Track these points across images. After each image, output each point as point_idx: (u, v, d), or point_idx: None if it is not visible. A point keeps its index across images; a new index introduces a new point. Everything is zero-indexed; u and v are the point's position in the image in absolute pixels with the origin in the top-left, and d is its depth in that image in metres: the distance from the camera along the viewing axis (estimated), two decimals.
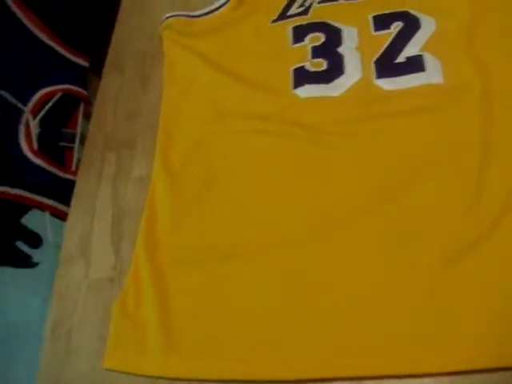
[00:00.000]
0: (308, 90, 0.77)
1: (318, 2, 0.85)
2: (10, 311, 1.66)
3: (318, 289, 0.64)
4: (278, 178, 0.72)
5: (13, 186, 0.95)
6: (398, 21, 0.80)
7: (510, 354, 0.57)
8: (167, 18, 0.91)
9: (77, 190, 0.82)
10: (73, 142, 1.06)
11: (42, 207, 0.99)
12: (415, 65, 0.75)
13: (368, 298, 0.62)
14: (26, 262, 1.07)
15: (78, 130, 1.05)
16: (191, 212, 0.73)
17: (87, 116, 1.06)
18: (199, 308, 0.67)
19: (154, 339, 0.66)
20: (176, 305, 0.67)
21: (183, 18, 0.90)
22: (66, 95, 1.06)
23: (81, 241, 0.77)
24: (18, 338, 1.62)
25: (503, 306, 0.59)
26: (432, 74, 0.74)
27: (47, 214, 0.99)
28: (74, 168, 1.04)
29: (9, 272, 1.27)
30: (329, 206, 0.69)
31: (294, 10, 0.86)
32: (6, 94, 0.93)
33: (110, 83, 0.92)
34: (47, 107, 1.00)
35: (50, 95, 1.03)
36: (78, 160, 1.06)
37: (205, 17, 0.90)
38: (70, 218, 0.80)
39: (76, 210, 0.81)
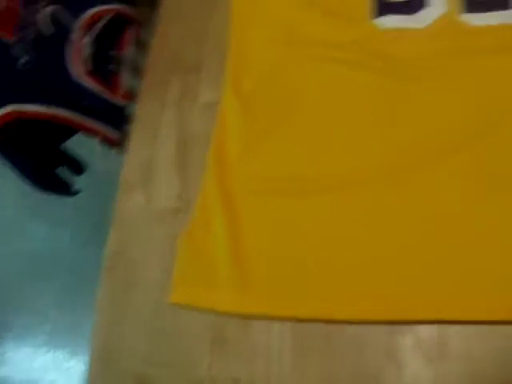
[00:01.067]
0: (390, 20, 0.72)
1: None
2: (36, 241, 1.65)
3: (401, 228, 0.62)
4: (358, 111, 0.69)
5: (63, 107, 0.89)
6: None
7: None
8: None
9: (138, 113, 0.78)
10: (121, 65, 1.01)
11: (92, 131, 0.94)
12: (502, 2, 0.70)
13: (459, 243, 0.60)
14: (66, 189, 1.03)
15: (128, 55, 1.00)
16: (265, 140, 0.70)
17: (137, 41, 1.01)
18: (275, 242, 0.64)
19: (225, 273, 0.63)
20: (249, 238, 0.65)
21: None
22: (116, 17, 0.99)
23: (142, 167, 0.74)
24: (45, 267, 1.61)
25: None
26: None
27: (97, 140, 0.94)
28: (122, 93, 0.99)
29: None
30: (412, 143, 0.65)
31: None
32: (62, 10, 0.87)
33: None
34: (99, 26, 0.94)
35: (100, 15, 0.96)
36: (127, 87, 1.01)
37: None
38: (131, 143, 0.76)
39: (137, 134, 0.77)
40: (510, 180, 0.61)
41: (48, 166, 1.03)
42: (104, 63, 1.01)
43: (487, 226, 0.60)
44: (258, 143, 0.70)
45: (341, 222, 0.64)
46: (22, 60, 0.89)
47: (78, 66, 0.94)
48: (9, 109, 0.86)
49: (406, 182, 0.63)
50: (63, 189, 1.05)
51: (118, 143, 0.94)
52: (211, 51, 0.79)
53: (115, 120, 0.92)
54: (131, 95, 0.94)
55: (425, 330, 0.58)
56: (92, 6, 0.95)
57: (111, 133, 0.95)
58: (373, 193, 0.64)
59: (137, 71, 0.94)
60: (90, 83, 0.94)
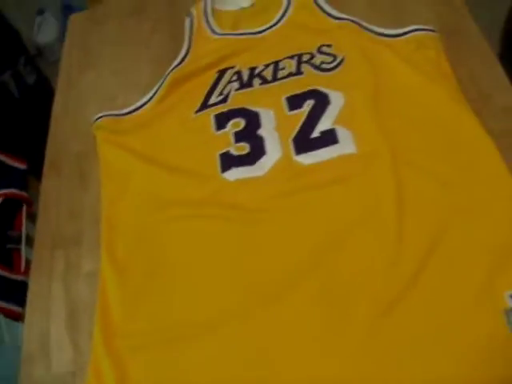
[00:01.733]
0: (235, 173, 0.83)
1: (236, 90, 0.93)
2: None
3: (270, 358, 0.70)
4: (217, 257, 0.78)
5: None
6: (310, 99, 0.88)
7: None
8: (98, 118, 0.97)
9: (30, 289, 0.86)
10: (19, 243, 1.10)
11: None
12: (329, 138, 0.83)
13: (315, 361, 0.68)
14: None
15: (24, 231, 1.09)
16: (141, 299, 0.78)
17: (31, 217, 1.10)
18: None
19: None
20: None
21: (112, 117, 0.96)
22: (8, 199, 1.09)
23: (40, 338, 0.81)
24: None
25: (435, 354, 0.66)
26: (345, 145, 0.82)
27: (1, 316, 1.01)
28: (23, 269, 1.07)
29: None
30: (268, 277, 0.74)
31: (213, 99, 0.93)
32: None
33: (50, 184, 0.97)
34: None
35: None
36: (26, 260, 1.09)
37: (132, 114, 0.96)
38: (27, 318, 0.83)
39: (31, 309, 0.85)
40: (349, 308, 0.70)
41: None
42: (2, 243, 1.10)
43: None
44: (136, 302, 0.78)
45: (216, 360, 0.71)
46: None
47: None
48: None
49: (257, 316, 0.72)
50: None
51: (21, 317, 1.00)
52: (88, 225, 0.89)
53: (17, 295, 0.99)
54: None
55: None
56: None
57: (14, 308, 1.02)
58: (241, 329, 0.72)
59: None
60: None
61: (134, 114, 0.96)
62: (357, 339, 0.68)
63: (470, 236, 0.72)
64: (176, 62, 0.99)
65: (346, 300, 0.70)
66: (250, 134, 0.87)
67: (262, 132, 0.86)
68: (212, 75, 0.96)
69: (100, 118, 0.97)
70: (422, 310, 0.68)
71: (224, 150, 0.86)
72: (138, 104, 0.97)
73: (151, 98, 0.97)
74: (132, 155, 0.91)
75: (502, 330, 0.65)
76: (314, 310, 0.71)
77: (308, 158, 0.82)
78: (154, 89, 0.97)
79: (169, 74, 0.97)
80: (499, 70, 0.88)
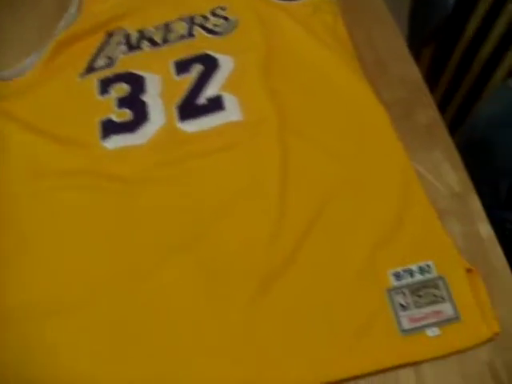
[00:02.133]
0: (115, 141, 0.78)
1: (123, 53, 0.87)
2: None
3: (143, 336, 0.65)
4: (90, 231, 0.72)
5: None
6: (198, 63, 0.83)
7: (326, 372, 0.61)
8: None
9: None
10: None
11: None
12: (215, 105, 0.79)
13: (193, 339, 0.64)
14: None
15: None
16: (7, 273, 0.71)
17: None
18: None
19: None
20: None
21: None
22: None
23: None
24: None
25: (315, 328, 0.63)
26: (231, 113, 0.78)
27: None
28: None
29: None
30: (143, 252, 0.69)
31: (99, 62, 0.87)
32: None
33: None
34: None
35: None
36: None
37: (14, 78, 0.89)
38: None
39: None
40: (228, 285, 0.66)
41: None
42: None
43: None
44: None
45: (85, 339, 0.66)
46: None
47: None
48: None
49: (129, 293, 0.67)
50: None
51: None
52: None
53: None
54: None
55: None
56: None
57: None
58: (114, 304, 0.67)
59: None
60: None
61: (16, 78, 0.89)
62: (235, 317, 0.64)
63: (356, 210, 0.69)
64: (61, 24, 0.92)
65: (224, 275, 0.66)
66: (134, 99, 0.82)
67: (145, 98, 0.82)
68: (99, 37, 0.90)
69: None
70: (302, 287, 0.65)
71: (105, 117, 0.80)
72: (21, 67, 0.89)
73: (35, 61, 0.89)
74: (10, 119, 0.84)
75: (384, 310, 0.62)
76: (190, 285, 0.66)
77: (192, 126, 0.78)
78: (40, 51, 0.90)
79: (56, 34, 0.90)
80: (397, 38, 0.85)
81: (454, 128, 0.80)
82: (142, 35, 0.89)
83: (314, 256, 0.66)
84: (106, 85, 0.84)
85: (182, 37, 0.88)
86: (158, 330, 0.65)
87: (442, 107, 0.80)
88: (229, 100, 0.79)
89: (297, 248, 0.66)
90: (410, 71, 0.80)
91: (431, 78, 0.81)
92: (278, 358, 0.61)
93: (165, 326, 0.65)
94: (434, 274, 0.64)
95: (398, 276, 0.64)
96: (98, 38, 0.91)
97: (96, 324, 0.66)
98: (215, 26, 0.88)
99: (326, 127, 0.76)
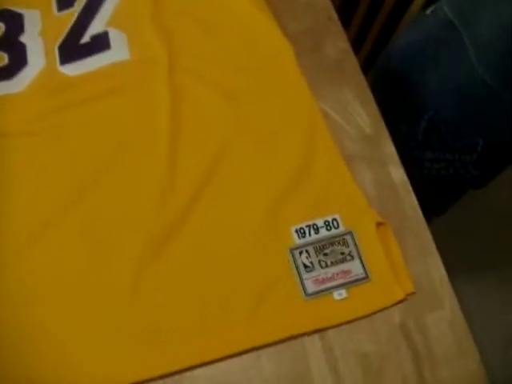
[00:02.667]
0: None
1: None
2: None
3: (26, 300, 0.58)
4: None
5: None
6: None
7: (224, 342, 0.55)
8: None
9: None
10: None
11: None
12: (100, 43, 0.70)
13: (75, 303, 0.57)
14: None
15: None
16: None
17: None
18: None
19: None
20: None
21: None
22: None
23: None
24: None
25: (210, 295, 0.57)
26: (117, 51, 0.69)
27: None
28: None
29: None
30: (23, 217, 0.62)
31: None
32: None
33: None
34: None
35: None
36: None
37: None
38: None
39: None
40: (114, 249, 0.60)
41: None
42: None
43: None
44: None
45: None
46: None
47: None
48: None
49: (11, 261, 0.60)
50: None
51: None
52: None
53: None
54: None
55: None
56: None
57: None
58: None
59: None
60: None
61: None
62: (123, 284, 0.57)
63: (255, 159, 0.62)
64: None
65: (110, 238, 0.59)
66: (11, 40, 0.72)
67: (24, 38, 0.72)
68: None
69: None
70: (195, 249, 0.58)
71: None
72: None
73: None
74: None
75: (286, 273, 0.57)
76: (75, 249, 0.59)
77: (74, 69, 0.69)
78: None
79: None
80: None
81: (367, 68, 0.72)
82: None
83: (208, 214, 0.60)
84: None
85: None
86: (45, 297, 0.58)
87: (356, 45, 0.71)
88: (115, 37, 0.70)
89: (190, 205, 0.60)
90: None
91: (344, 13, 0.72)
92: (166, 332, 0.55)
93: (51, 293, 0.58)
94: (341, 228, 0.58)
95: (301, 233, 0.58)
96: None
97: None
98: None
99: (222, 66, 0.68)
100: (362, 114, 0.63)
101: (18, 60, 0.70)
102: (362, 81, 0.65)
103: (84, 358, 0.55)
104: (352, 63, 0.66)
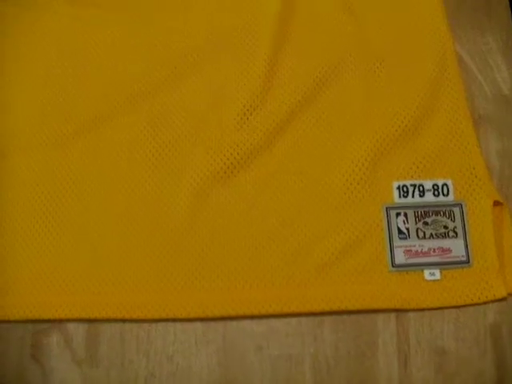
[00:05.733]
0: None
1: None
2: None
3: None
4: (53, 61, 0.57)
5: None
6: None
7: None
8: None
9: None
10: None
11: None
12: None
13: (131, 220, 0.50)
14: None
15: None
16: None
17: None
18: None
19: None
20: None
21: None
22: None
23: None
24: None
25: (279, 236, 0.49)
26: None
27: None
28: None
29: None
30: (101, 88, 0.55)
31: None
32: None
33: None
34: None
35: None
36: None
37: None
38: None
39: None
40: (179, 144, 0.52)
41: None
42: None
43: None
44: None
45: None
46: None
47: None
48: None
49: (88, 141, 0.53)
50: None
51: None
52: None
53: None
54: None
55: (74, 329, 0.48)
56: None
57: None
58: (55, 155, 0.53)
59: None
60: None
61: None
62: (184, 203, 0.50)
63: (367, 90, 0.53)
64: None
65: (178, 146, 0.52)
66: None
67: None
68: None
69: None
70: (276, 183, 0.50)
71: None
72: None
73: None
74: None
75: (375, 233, 0.48)
76: (139, 142, 0.53)
77: None
78: None
79: None
80: None
81: None
82: None
83: (299, 141, 0.51)
84: None
85: None
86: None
87: None
88: None
89: (277, 132, 0.51)
90: None
91: None
92: (224, 274, 0.48)
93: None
94: (450, 197, 0.49)
95: (403, 191, 0.49)
96: None
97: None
98: None
99: None
100: (503, 71, 0.53)
101: None
102: (511, 31, 0.53)
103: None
104: (503, 6, 0.54)
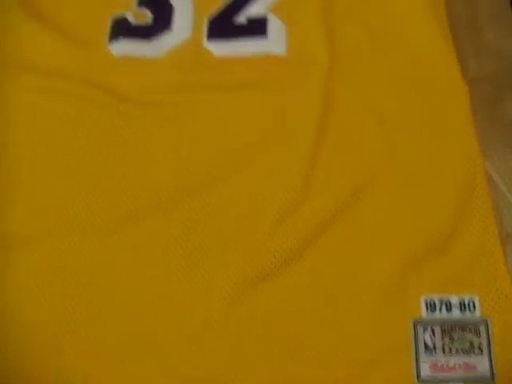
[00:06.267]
0: (123, 46, 0.63)
1: None
2: None
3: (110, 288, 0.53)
4: (76, 151, 0.59)
5: None
6: None
7: None
8: None
9: None
10: None
11: None
12: (256, 27, 0.63)
13: (155, 315, 0.52)
14: None
15: None
16: None
17: None
18: None
19: None
20: None
21: None
22: None
23: None
24: None
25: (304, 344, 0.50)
26: (274, 42, 0.63)
27: None
28: None
29: None
30: (127, 194, 0.56)
31: None
32: None
33: None
34: None
35: None
36: None
37: None
38: None
39: None
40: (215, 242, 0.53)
41: None
42: None
43: None
44: None
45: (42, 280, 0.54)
46: None
47: None
48: None
49: (122, 233, 0.55)
50: None
51: None
52: None
53: None
54: None
55: None
56: None
57: None
58: (88, 248, 0.55)
59: None
60: None
61: None
62: (216, 308, 0.51)
63: (397, 205, 0.55)
64: None
65: (215, 247, 0.53)
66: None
67: (174, 0, 0.65)
68: None
69: None
70: (304, 292, 0.52)
71: (120, 14, 0.65)
72: None
73: None
74: None
75: (403, 346, 0.49)
76: (174, 247, 0.54)
77: (221, 48, 0.63)
78: None
79: None
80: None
81: None
82: None
83: (329, 255, 0.53)
84: None
85: None
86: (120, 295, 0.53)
87: None
88: (275, 25, 0.63)
89: (310, 240, 0.53)
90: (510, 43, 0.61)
91: None
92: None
93: (132, 289, 0.53)
94: (477, 313, 0.50)
95: (431, 306, 0.51)
96: None
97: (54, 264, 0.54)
98: None
99: (384, 87, 0.60)
100: None
101: (162, 22, 0.65)
102: None
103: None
104: None
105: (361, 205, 0.54)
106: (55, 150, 0.59)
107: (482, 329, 0.49)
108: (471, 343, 0.49)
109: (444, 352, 0.49)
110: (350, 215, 0.54)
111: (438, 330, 0.49)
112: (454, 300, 0.50)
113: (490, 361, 0.48)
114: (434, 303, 0.50)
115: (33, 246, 0.55)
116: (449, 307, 0.50)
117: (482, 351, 0.49)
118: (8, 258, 0.54)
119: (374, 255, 0.52)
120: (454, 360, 0.49)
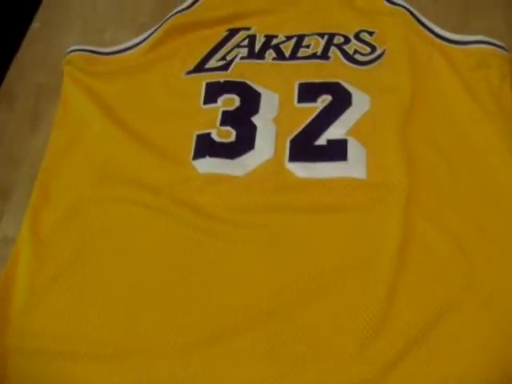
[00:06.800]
0: (208, 164, 0.65)
1: (242, 58, 0.73)
2: None
3: None
4: (159, 265, 0.60)
5: None
6: (327, 93, 0.69)
7: None
8: (73, 50, 0.78)
9: None
10: None
11: None
12: (336, 151, 0.65)
13: None
14: None
15: None
16: (52, 289, 0.60)
17: None
18: None
19: None
20: None
21: (88, 54, 0.77)
22: None
23: None
24: None
25: None
26: (354, 166, 0.64)
27: None
28: None
29: None
30: (208, 312, 0.57)
31: (213, 62, 0.74)
32: None
33: None
34: None
35: None
36: None
37: (113, 56, 0.77)
38: None
39: None
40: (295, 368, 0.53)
41: None
42: None
43: None
44: (43, 293, 0.60)
45: None
46: None
47: None
48: None
49: (204, 354, 0.55)
50: None
51: None
52: (25, 177, 0.71)
53: None
54: None
55: None
56: None
57: None
58: (168, 365, 0.55)
59: None
60: None
61: (115, 56, 0.77)
62: None
63: (478, 335, 0.54)
64: (183, 6, 0.80)
65: (295, 373, 0.53)
66: (242, 118, 0.69)
67: (256, 119, 0.68)
68: (220, 32, 0.77)
69: (75, 50, 0.78)
70: None
71: (204, 131, 0.68)
72: (124, 45, 0.78)
73: (142, 41, 0.78)
74: (95, 105, 0.72)
75: None
76: (256, 368, 0.54)
77: (303, 170, 0.64)
78: (149, 31, 0.78)
79: (170, 17, 0.78)
80: None
81: None
82: (269, 42, 0.75)
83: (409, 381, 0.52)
84: (214, 91, 0.71)
85: (315, 56, 0.74)
86: None
87: None
88: (355, 149, 0.65)
89: (390, 366, 0.52)
90: None
91: None
92: None
93: None
94: None
95: None
96: (217, 34, 0.78)
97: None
98: (356, 52, 0.73)
99: (463, 213, 0.61)
100: None
101: (246, 141, 0.67)
102: None
103: None
104: None
105: (440, 330, 0.54)
106: (141, 258, 0.61)
107: None
108: None
109: None
110: (430, 340, 0.54)
111: None
112: None
113: None
114: None
115: (116, 361, 0.56)
116: None
117: None
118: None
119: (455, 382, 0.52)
120: None
